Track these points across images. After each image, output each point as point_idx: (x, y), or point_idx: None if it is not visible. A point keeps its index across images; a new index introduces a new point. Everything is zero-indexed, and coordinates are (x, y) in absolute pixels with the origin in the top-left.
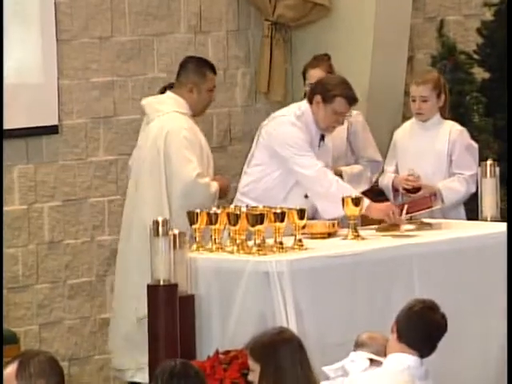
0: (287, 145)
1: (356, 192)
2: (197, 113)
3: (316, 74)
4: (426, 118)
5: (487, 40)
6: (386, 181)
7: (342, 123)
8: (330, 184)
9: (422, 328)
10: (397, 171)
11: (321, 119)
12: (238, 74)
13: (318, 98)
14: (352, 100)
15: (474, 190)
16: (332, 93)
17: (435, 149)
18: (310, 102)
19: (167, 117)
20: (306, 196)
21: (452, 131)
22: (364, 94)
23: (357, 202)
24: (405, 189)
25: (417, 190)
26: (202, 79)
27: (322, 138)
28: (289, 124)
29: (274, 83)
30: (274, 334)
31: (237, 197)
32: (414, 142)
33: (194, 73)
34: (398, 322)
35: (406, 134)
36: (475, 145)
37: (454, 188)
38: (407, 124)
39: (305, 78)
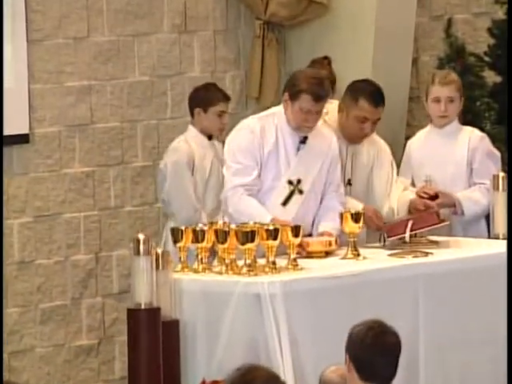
0: (227, 150)
1: (268, 217)
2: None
3: None
4: (448, 123)
5: (499, 40)
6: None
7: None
8: (230, 207)
9: (381, 361)
10: (413, 183)
11: (290, 118)
12: (226, 77)
13: (285, 95)
14: (318, 96)
15: None
16: (297, 89)
17: (454, 157)
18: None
19: None
20: (284, 203)
21: (472, 138)
22: None
23: (357, 217)
24: (421, 197)
25: (434, 197)
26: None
27: (304, 140)
28: (240, 126)
29: (266, 88)
30: (242, 374)
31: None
32: (430, 151)
33: None
34: (353, 360)
35: (421, 143)
36: (497, 152)
37: (475, 199)
38: (422, 133)
39: None
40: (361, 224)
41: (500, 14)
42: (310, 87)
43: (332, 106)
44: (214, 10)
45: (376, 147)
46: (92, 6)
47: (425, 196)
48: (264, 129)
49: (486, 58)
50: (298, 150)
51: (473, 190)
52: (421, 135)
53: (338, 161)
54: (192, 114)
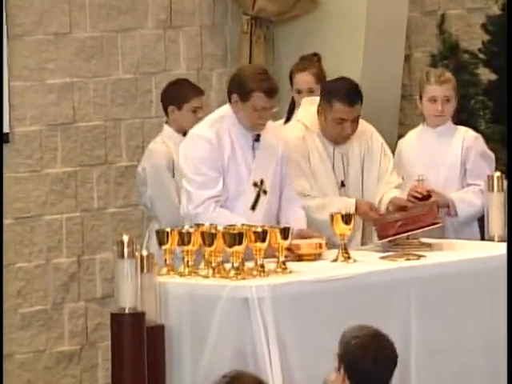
0: (184, 163)
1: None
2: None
3: (304, 79)
4: (444, 123)
5: (494, 37)
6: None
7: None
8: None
9: (377, 371)
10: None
11: (243, 119)
12: (213, 75)
13: (234, 97)
14: (270, 92)
15: None
16: (247, 89)
17: (447, 157)
18: (230, 101)
19: None
20: (253, 208)
21: (466, 138)
22: None
23: (347, 219)
24: (414, 197)
25: (427, 197)
26: None
27: (258, 138)
28: (193, 136)
29: None
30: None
31: None
32: (423, 151)
33: None
34: (348, 370)
35: (413, 142)
36: (491, 153)
37: (469, 200)
38: (413, 132)
39: (292, 83)
40: (351, 226)
41: (495, 9)
42: (260, 84)
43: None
44: (201, 4)
45: (366, 139)
46: (74, 0)
47: (417, 196)
48: (219, 135)
49: (481, 55)
50: (254, 149)
51: (466, 191)
52: (412, 135)
53: (288, 152)
54: (166, 113)
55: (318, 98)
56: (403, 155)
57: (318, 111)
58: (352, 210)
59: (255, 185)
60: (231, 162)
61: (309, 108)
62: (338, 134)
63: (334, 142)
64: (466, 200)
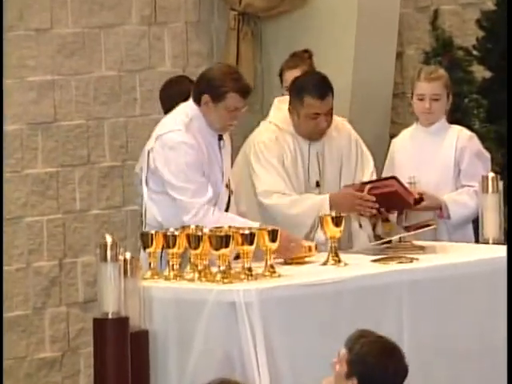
0: (170, 173)
1: (251, 224)
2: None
3: (295, 76)
4: (433, 121)
5: (488, 33)
6: None
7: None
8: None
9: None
10: None
11: (215, 121)
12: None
13: (205, 97)
14: (246, 92)
15: None
16: (221, 89)
17: (440, 157)
18: (198, 103)
19: None
20: (226, 210)
21: (460, 137)
22: (346, 96)
23: (338, 221)
24: None
25: (419, 200)
26: None
27: (221, 137)
28: (175, 143)
29: None
30: None
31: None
32: (415, 151)
33: None
34: (359, 378)
35: (406, 142)
36: (486, 153)
37: (462, 202)
38: (407, 131)
39: (282, 80)
40: (342, 228)
41: (489, 4)
42: (234, 85)
43: None
44: (186, 0)
45: (344, 138)
46: None
47: None
48: (195, 139)
49: (475, 52)
50: (220, 149)
51: (460, 192)
52: (405, 134)
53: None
54: (166, 112)
55: (283, 101)
56: (395, 155)
57: (289, 110)
58: (326, 205)
59: (227, 186)
60: (209, 166)
61: (280, 108)
62: (312, 130)
63: (309, 139)
64: (460, 202)
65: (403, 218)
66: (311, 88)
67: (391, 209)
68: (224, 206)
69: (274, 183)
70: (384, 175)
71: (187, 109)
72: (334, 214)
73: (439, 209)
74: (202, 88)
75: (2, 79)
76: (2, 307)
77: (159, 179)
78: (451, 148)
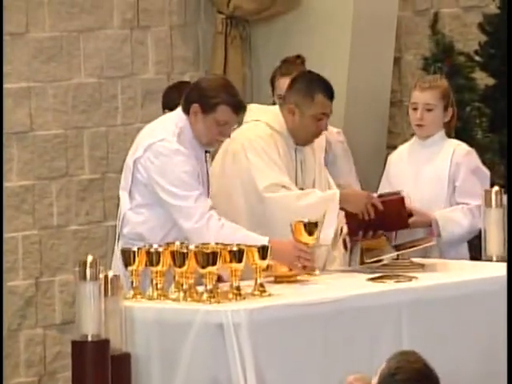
0: (169, 182)
1: (256, 237)
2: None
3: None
4: (428, 134)
5: (491, 38)
6: None
7: (227, 136)
8: (211, 236)
9: None
10: None
11: (201, 133)
12: (184, 79)
13: (195, 107)
14: (238, 107)
15: (480, 224)
16: (213, 101)
17: (434, 171)
18: (187, 112)
19: None
20: None
21: (456, 152)
22: (340, 105)
23: (310, 228)
24: None
25: (408, 216)
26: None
27: (208, 150)
28: (170, 152)
29: None
30: None
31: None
32: (410, 165)
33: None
34: None
35: (402, 156)
36: (485, 170)
37: (456, 219)
38: (404, 146)
39: (273, 88)
40: (315, 236)
41: (492, 7)
42: (228, 98)
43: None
44: (171, 2)
45: (321, 150)
46: None
47: None
48: (186, 148)
49: (477, 58)
50: (206, 162)
51: (453, 209)
52: (403, 149)
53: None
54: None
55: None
56: (390, 170)
57: (289, 109)
58: (336, 199)
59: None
60: (200, 177)
61: (266, 109)
62: (313, 132)
63: (300, 144)
64: (453, 219)
65: (393, 236)
66: (323, 87)
67: (384, 227)
68: None
69: (279, 177)
70: (380, 190)
71: (176, 118)
72: (306, 220)
73: (429, 225)
74: (193, 97)
75: (1, 79)
76: (1, 308)
77: (147, 190)
78: (446, 163)
